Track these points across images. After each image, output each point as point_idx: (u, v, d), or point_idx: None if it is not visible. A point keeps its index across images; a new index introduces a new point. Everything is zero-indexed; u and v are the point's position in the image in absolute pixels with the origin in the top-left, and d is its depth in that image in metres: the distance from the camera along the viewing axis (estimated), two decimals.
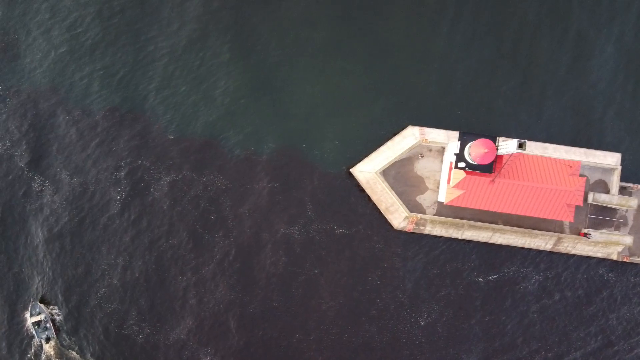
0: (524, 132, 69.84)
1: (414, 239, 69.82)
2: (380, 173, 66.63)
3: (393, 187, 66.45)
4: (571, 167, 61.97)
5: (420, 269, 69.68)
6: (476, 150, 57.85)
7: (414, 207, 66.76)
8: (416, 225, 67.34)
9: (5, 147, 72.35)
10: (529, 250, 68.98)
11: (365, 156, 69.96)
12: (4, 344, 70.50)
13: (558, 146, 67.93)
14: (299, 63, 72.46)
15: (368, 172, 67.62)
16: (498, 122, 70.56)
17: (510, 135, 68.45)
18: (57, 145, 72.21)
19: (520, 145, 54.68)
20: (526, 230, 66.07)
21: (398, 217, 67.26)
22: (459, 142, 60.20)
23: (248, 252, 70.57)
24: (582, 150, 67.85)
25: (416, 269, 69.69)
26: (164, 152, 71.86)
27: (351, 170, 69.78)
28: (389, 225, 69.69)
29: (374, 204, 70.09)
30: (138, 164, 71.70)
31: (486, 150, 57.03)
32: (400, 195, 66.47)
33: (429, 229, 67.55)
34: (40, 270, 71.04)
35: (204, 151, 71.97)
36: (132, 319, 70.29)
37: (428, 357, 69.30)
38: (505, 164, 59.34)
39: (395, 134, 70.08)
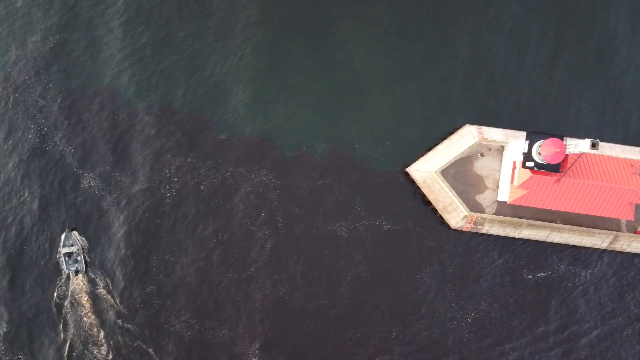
0: (579, 131, 70.03)
1: (465, 237, 69.89)
2: (439, 172, 66.33)
3: (452, 186, 66.25)
4: (632, 165, 62.30)
5: (470, 266, 69.73)
6: (547, 150, 57.82)
7: (473, 206, 66.66)
8: (474, 225, 67.28)
9: (54, 144, 71.89)
10: (578, 248, 69.27)
11: (420, 155, 69.78)
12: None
13: (613, 145, 68.19)
14: (352, 65, 72.15)
15: (426, 171, 67.33)
16: (549, 120, 70.73)
17: (566, 133, 68.52)
18: (106, 143, 71.75)
19: (593, 145, 54.66)
20: (584, 228, 66.34)
21: (456, 216, 67.11)
22: (527, 141, 60.10)
23: (297, 249, 70.38)
24: (637, 149, 68.21)
25: (466, 266, 69.74)
26: (215, 150, 71.51)
27: (407, 169, 69.48)
28: (440, 223, 69.72)
29: (425, 202, 70.05)
30: (188, 162, 71.39)
31: (558, 150, 57.05)
32: (460, 194, 66.33)
33: (486, 228, 67.53)
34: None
35: (254, 150, 71.72)
36: (173, 307, 70.06)
37: (475, 354, 69.39)
38: (574, 163, 59.44)
39: (449, 133, 69.97)
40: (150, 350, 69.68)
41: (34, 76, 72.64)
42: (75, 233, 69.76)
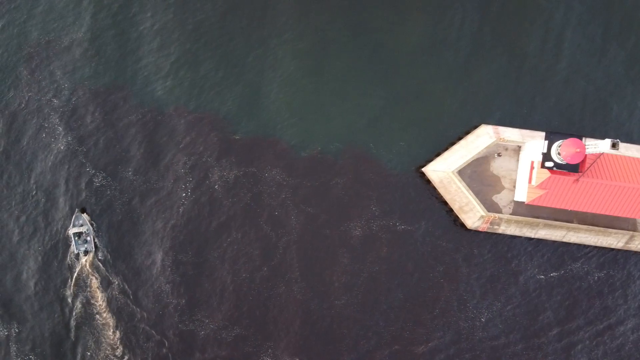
0: (592, 132, 70.10)
1: (481, 238, 69.84)
2: (456, 172, 66.19)
3: (469, 186, 66.14)
4: None
5: (485, 266, 69.74)
6: (567, 150, 57.77)
7: (490, 206, 66.57)
8: (490, 225, 67.18)
9: (67, 143, 71.57)
10: (594, 248, 69.32)
11: (435, 155, 69.63)
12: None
13: (629, 145, 68.27)
14: (366, 65, 72.11)
15: (442, 171, 67.19)
16: (562, 120, 70.77)
17: (583, 133, 68.63)
18: (119, 142, 71.46)
19: (614, 145, 54.63)
20: (601, 228, 66.35)
21: (472, 216, 67.00)
22: (546, 141, 60.02)
23: (310, 248, 70.27)
24: None
25: (481, 266, 69.72)
26: (228, 150, 71.35)
27: (423, 169, 69.33)
28: (455, 223, 69.63)
29: (440, 202, 69.99)
30: (202, 162, 71.24)
31: (578, 150, 57.01)
32: (477, 194, 66.24)
33: (502, 228, 67.45)
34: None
35: (269, 150, 71.57)
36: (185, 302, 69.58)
37: (488, 353, 69.39)
38: (593, 163, 59.41)
39: (465, 133, 69.87)
40: (162, 345, 69.48)
41: (49, 75, 72.26)
42: (85, 214, 69.66)
